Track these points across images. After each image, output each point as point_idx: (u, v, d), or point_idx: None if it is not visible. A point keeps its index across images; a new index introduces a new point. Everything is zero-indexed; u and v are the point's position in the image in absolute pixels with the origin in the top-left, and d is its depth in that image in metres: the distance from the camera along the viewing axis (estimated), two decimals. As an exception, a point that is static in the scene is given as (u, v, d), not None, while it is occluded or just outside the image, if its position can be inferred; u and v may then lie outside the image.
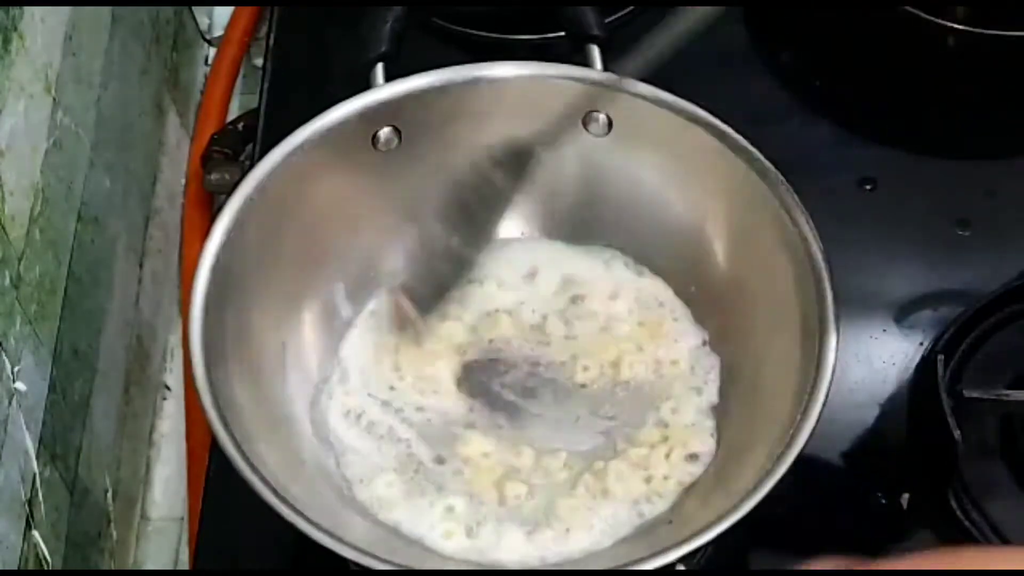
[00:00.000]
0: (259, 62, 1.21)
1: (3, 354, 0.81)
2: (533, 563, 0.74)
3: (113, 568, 0.98)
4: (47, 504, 0.86)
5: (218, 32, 1.27)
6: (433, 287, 0.81)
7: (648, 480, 0.76)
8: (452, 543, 0.75)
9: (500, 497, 0.76)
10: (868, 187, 0.95)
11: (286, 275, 0.80)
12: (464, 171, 0.79)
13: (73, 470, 0.91)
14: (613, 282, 0.84)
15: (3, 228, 0.81)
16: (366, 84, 0.81)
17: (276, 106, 1.00)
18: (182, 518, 1.07)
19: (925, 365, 0.86)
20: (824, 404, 0.70)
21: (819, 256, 0.74)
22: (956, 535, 0.81)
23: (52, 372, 0.88)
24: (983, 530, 0.81)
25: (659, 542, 0.70)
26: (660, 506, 0.76)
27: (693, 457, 0.77)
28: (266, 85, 1.01)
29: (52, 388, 0.88)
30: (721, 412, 0.79)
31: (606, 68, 0.81)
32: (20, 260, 0.84)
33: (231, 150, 1.12)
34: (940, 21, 0.94)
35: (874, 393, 0.87)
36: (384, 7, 0.82)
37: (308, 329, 0.81)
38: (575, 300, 0.83)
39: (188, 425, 1.08)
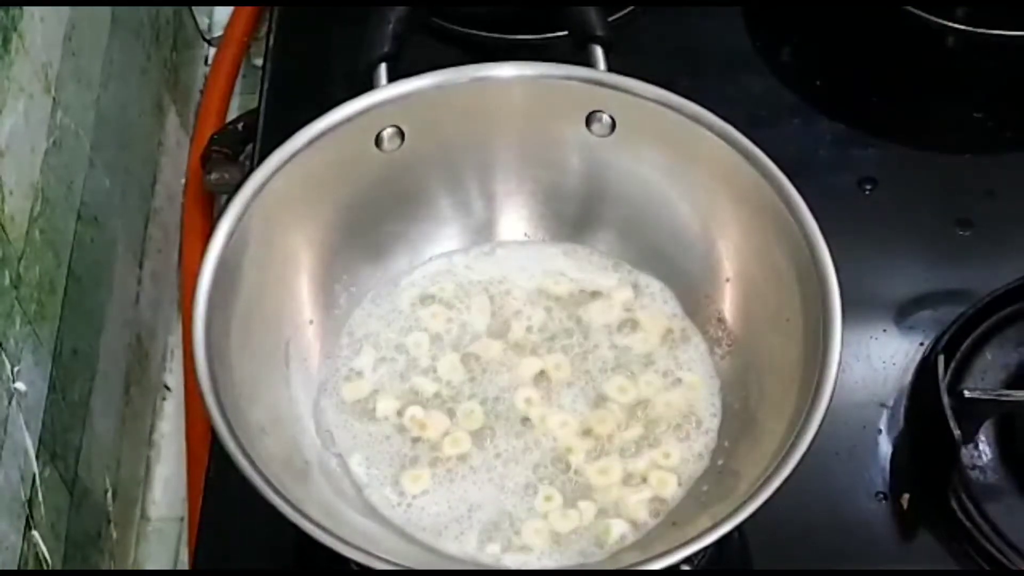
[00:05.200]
0: (259, 62, 1.21)
1: (3, 354, 0.81)
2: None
3: (113, 568, 0.98)
4: (47, 504, 0.86)
5: (218, 32, 1.27)
6: None
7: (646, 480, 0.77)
8: (456, 543, 0.75)
9: (502, 501, 0.77)
10: (868, 187, 0.95)
11: (289, 275, 0.80)
12: None
13: (73, 470, 0.91)
14: (615, 285, 0.84)
15: (3, 228, 0.81)
16: (367, 84, 0.80)
17: (276, 106, 1.00)
18: (182, 518, 1.07)
19: (925, 365, 0.86)
20: (828, 407, 0.70)
21: (824, 257, 0.74)
22: (956, 535, 0.81)
23: (52, 372, 0.88)
24: (983, 530, 0.81)
25: (663, 543, 0.71)
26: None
27: (696, 458, 0.78)
28: (266, 85, 1.01)
29: (52, 388, 0.88)
30: (724, 414, 0.79)
31: (610, 68, 0.81)
32: (20, 260, 0.84)
33: (231, 150, 1.12)
34: (940, 21, 0.95)
35: (874, 393, 0.87)
36: (386, 7, 0.82)
37: (311, 329, 0.81)
38: (578, 304, 0.83)
39: (188, 425, 1.08)
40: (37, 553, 0.84)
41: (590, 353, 0.82)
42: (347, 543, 0.67)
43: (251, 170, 0.78)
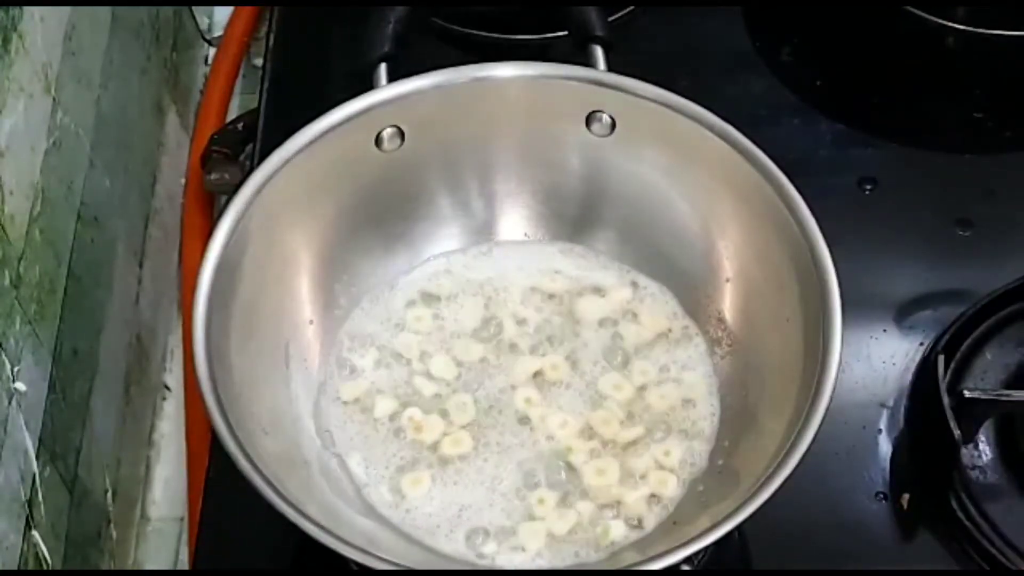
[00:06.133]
0: (259, 62, 1.21)
1: (3, 354, 0.81)
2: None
3: (113, 568, 0.98)
4: (47, 504, 0.86)
5: (218, 32, 1.27)
6: None
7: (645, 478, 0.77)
8: (452, 543, 0.75)
9: (500, 501, 0.77)
10: (868, 187, 0.95)
11: (289, 275, 0.80)
12: None
13: (73, 470, 0.91)
14: (614, 284, 0.84)
15: (3, 228, 0.81)
16: (367, 84, 0.81)
17: (276, 106, 1.00)
18: (182, 518, 1.07)
19: (925, 365, 0.86)
20: (828, 406, 0.70)
21: (824, 257, 0.74)
22: (956, 535, 0.81)
23: (52, 372, 0.88)
24: (983, 530, 0.81)
25: (663, 543, 0.70)
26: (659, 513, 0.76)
27: (696, 458, 0.78)
28: (266, 85, 1.01)
29: (52, 388, 0.88)
30: (724, 414, 0.79)
31: (610, 68, 0.81)
32: (20, 260, 0.84)
33: (231, 150, 1.12)
34: (940, 21, 0.95)
35: (874, 393, 0.87)
36: (386, 7, 0.82)
37: (311, 329, 0.81)
38: (577, 303, 0.83)
39: (188, 425, 1.08)
40: (37, 553, 0.84)
41: (588, 352, 0.82)
42: (346, 543, 0.67)
43: (251, 170, 0.79)
